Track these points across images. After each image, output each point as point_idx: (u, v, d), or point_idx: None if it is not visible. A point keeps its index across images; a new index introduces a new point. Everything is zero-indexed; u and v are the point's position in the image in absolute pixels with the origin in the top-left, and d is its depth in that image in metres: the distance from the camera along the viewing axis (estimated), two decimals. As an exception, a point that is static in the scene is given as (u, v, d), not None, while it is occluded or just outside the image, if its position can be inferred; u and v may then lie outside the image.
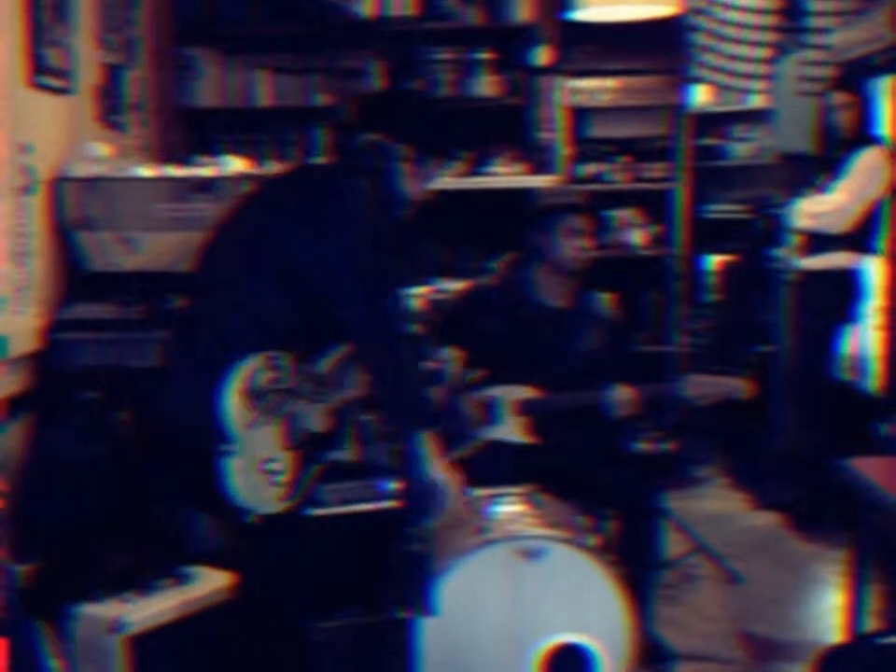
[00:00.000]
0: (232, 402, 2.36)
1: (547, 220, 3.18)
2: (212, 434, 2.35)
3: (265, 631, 2.58)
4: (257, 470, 2.39)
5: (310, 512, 2.66)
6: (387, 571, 2.39)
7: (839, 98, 4.32)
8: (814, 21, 4.63)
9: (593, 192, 5.04)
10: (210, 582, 2.78)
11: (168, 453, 2.54)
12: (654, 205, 5.11)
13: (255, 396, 2.38)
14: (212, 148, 4.42)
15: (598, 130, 5.19)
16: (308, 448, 2.45)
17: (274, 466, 2.40)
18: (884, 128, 4.39)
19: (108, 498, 2.87)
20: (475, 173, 4.78)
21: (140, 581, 2.70)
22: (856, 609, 2.71)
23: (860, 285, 4.38)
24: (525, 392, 3.13)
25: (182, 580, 2.76)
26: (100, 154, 3.49)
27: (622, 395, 3.06)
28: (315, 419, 2.45)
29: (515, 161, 4.81)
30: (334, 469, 2.55)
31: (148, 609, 2.62)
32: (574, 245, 3.16)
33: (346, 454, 2.54)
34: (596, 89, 5.11)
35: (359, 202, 2.36)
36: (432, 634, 2.47)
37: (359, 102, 2.55)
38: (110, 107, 3.90)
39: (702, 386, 3.05)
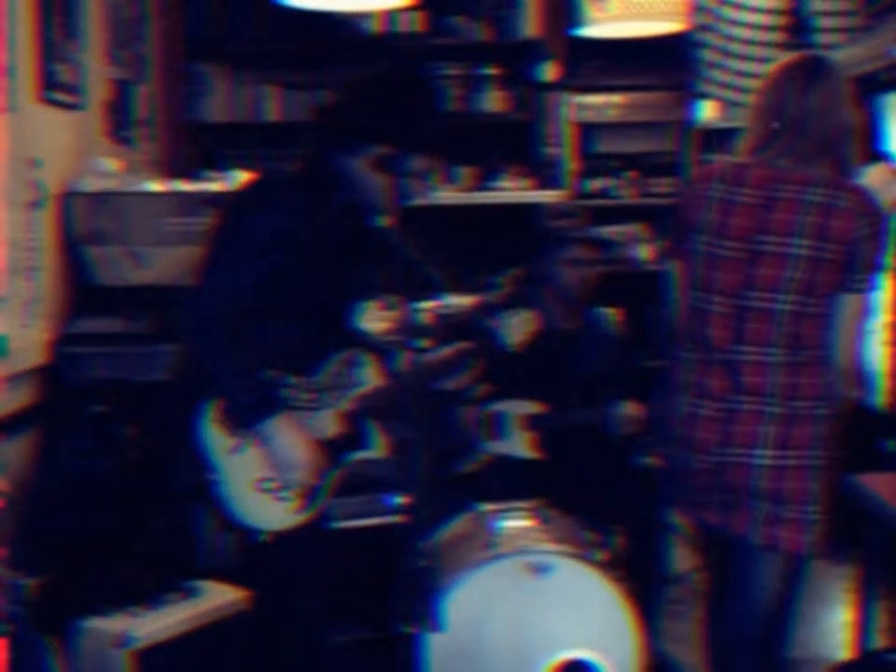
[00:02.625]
0: (210, 432, 2.36)
1: (552, 250, 3.19)
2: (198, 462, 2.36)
3: (272, 646, 2.58)
4: (254, 491, 2.38)
5: (323, 525, 2.65)
6: (394, 586, 2.38)
7: (846, 114, 4.32)
8: (820, 38, 4.63)
9: (599, 207, 5.05)
10: (217, 597, 2.77)
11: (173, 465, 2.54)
12: (661, 221, 5.11)
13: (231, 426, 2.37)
14: (220, 163, 4.43)
15: (605, 145, 5.19)
16: (322, 455, 2.43)
17: (274, 484, 2.39)
18: (890, 144, 4.40)
19: (115, 512, 2.87)
20: (482, 188, 4.79)
21: (147, 596, 2.70)
22: (864, 626, 2.70)
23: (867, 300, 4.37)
24: (532, 407, 3.13)
25: (189, 594, 2.76)
26: (109, 169, 3.51)
27: (627, 411, 3.06)
28: (321, 426, 2.44)
29: (522, 177, 4.82)
30: (342, 484, 2.53)
31: (155, 624, 2.62)
32: (579, 275, 3.17)
33: (375, 452, 2.51)
34: (603, 104, 5.12)
35: (287, 216, 2.32)
36: (439, 649, 2.46)
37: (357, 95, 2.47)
38: (119, 122, 3.92)
39: None
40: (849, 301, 2.38)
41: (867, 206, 2.41)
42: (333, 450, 2.44)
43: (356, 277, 2.54)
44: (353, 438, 2.47)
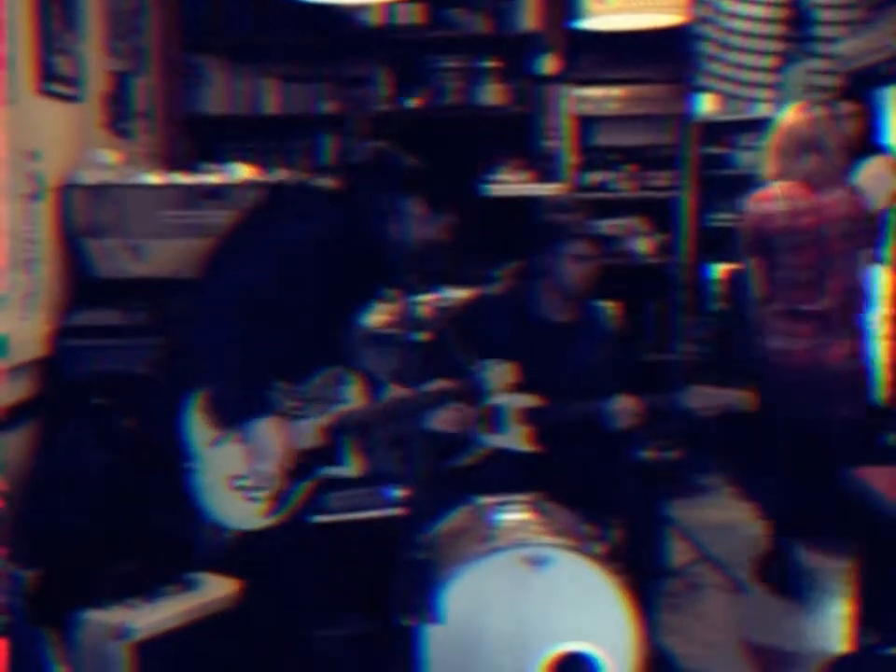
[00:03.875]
0: (195, 420, 2.37)
1: (553, 245, 3.18)
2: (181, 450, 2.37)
3: (270, 639, 2.58)
4: (227, 487, 2.40)
5: (315, 520, 2.66)
6: (392, 579, 2.38)
7: (846, 107, 4.31)
8: (821, 31, 4.63)
9: (598, 201, 5.05)
10: (215, 589, 2.78)
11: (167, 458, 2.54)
12: (660, 214, 5.11)
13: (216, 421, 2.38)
14: (219, 156, 4.43)
15: (604, 138, 5.19)
16: (296, 464, 2.44)
17: (247, 483, 2.40)
18: (890, 137, 4.40)
19: (114, 504, 2.87)
20: (481, 181, 4.78)
21: (145, 588, 2.70)
22: (862, 620, 2.70)
23: (867, 294, 4.37)
24: (529, 401, 3.13)
25: (187, 586, 2.76)
26: (107, 161, 3.50)
27: (625, 405, 3.06)
28: (300, 436, 2.45)
29: (521, 170, 4.81)
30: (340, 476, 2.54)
31: (154, 616, 2.62)
32: (579, 270, 3.16)
33: (348, 469, 2.53)
34: (603, 97, 5.11)
35: (313, 229, 2.33)
36: (437, 642, 2.46)
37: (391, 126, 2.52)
38: (118, 114, 3.91)
39: (704, 398, 3.05)
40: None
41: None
42: (308, 461, 2.45)
43: (358, 291, 2.55)
44: (328, 452, 2.48)
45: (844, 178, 3.74)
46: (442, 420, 2.69)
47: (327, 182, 2.48)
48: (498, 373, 2.56)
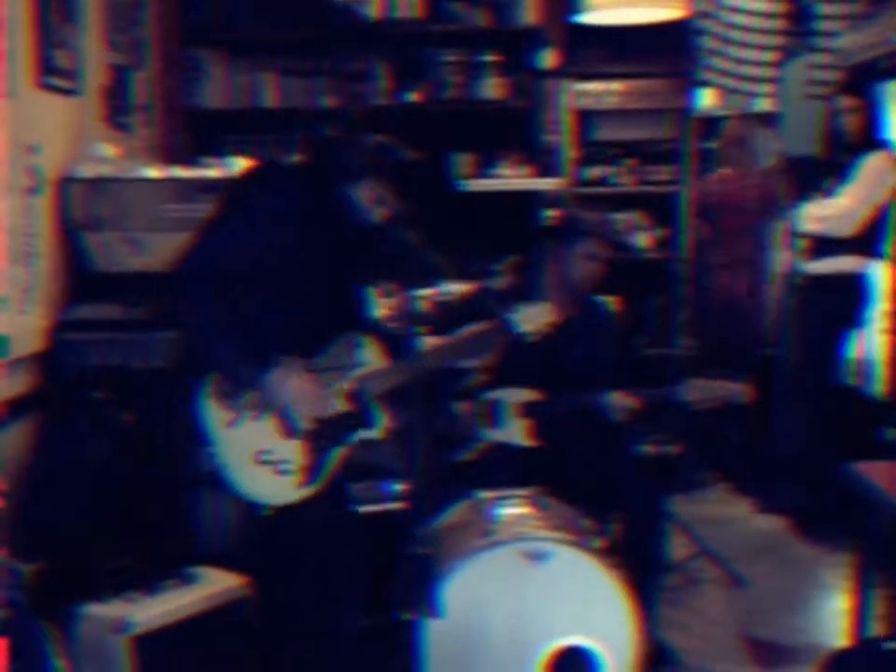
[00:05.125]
0: (207, 406, 2.37)
1: (563, 244, 3.17)
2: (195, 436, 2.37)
3: (270, 632, 2.58)
4: (254, 463, 2.39)
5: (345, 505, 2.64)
6: (393, 573, 2.39)
7: (846, 102, 4.31)
8: (821, 25, 4.62)
9: (598, 195, 5.04)
10: (215, 583, 2.78)
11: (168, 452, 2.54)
12: (660, 208, 5.11)
13: (227, 396, 2.38)
14: (218, 149, 4.42)
15: (604, 133, 5.18)
16: (322, 432, 2.44)
17: (273, 456, 2.40)
18: (891, 132, 4.39)
19: (113, 498, 2.87)
20: (481, 175, 4.78)
21: (145, 582, 2.70)
22: (861, 614, 2.70)
23: (866, 289, 4.37)
24: (528, 395, 3.13)
25: (187, 580, 2.76)
26: (106, 155, 3.50)
27: (623, 399, 3.06)
28: (324, 404, 2.44)
29: (521, 164, 4.81)
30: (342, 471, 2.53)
31: (153, 610, 2.62)
32: (587, 268, 3.16)
33: (377, 432, 2.51)
34: (602, 92, 5.10)
35: (284, 201, 2.35)
36: (437, 636, 2.47)
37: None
38: (117, 108, 3.90)
39: (702, 391, 3.05)
40: None
41: None
42: (336, 429, 2.44)
43: (357, 264, 2.54)
44: (355, 417, 2.47)
45: (760, 167, 4.91)
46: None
47: (295, 158, 2.50)
48: (534, 314, 2.51)
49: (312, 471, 2.42)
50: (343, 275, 2.51)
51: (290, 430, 2.41)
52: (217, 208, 2.41)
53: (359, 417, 2.47)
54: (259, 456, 2.39)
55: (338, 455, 2.46)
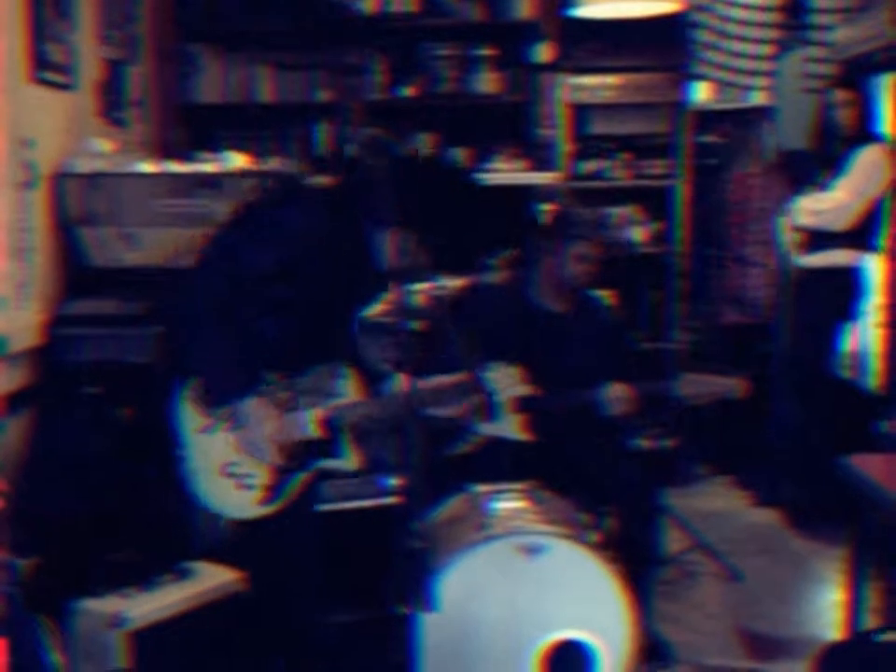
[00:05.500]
0: (184, 409, 2.37)
1: (557, 244, 3.17)
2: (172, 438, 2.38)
3: (265, 627, 2.59)
4: (219, 474, 2.40)
5: (311, 513, 2.66)
6: (388, 567, 2.39)
7: (840, 95, 4.31)
8: (816, 19, 4.62)
9: (593, 189, 5.04)
10: (211, 578, 2.78)
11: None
12: (655, 203, 5.11)
13: (206, 403, 2.38)
14: (213, 144, 4.41)
15: (599, 127, 5.18)
16: (291, 454, 2.45)
17: (240, 470, 2.40)
18: (885, 125, 4.39)
19: (110, 493, 2.87)
20: (476, 169, 4.77)
21: (141, 577, 2.70)
22: (856, 606, 2.71)
23: (860, 282, 4.38)
24: (524, 389, 3.13)
25: (183, 575, 2.76)
26: (101, 150, 3.49)
27: (618, 392, 3.06)
28: (296, 427, 2.45)
29: (516, 158, 4.81)
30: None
31: (149, 605, 2.63)
32: (581, 268, 3.16)
33: (345, 462, 2.53)
34: (598, 86, 5.10)
35: (306, 222, 2.35)
36: (433, 630, 2.47)
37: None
38: (112, 103, 3.90)
39: (697, 386, 3.06)
40: None
41: None
42: (304, 452, 2.46)
43: (354, 293, 2.55)
44: (324, 445, 2.48)
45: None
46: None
47: (322, 179, 2.50)
48: (505, 374, 2.55)
49: (274, 491, 2.44)
50: (343, 303, 2.52)
51: (255, 454, 2.41)
52: (238, 213, 2.41)
53: (328, 446, 2.48)
54: (226, 468, 2.41)
55: (300, 479, 2.47)
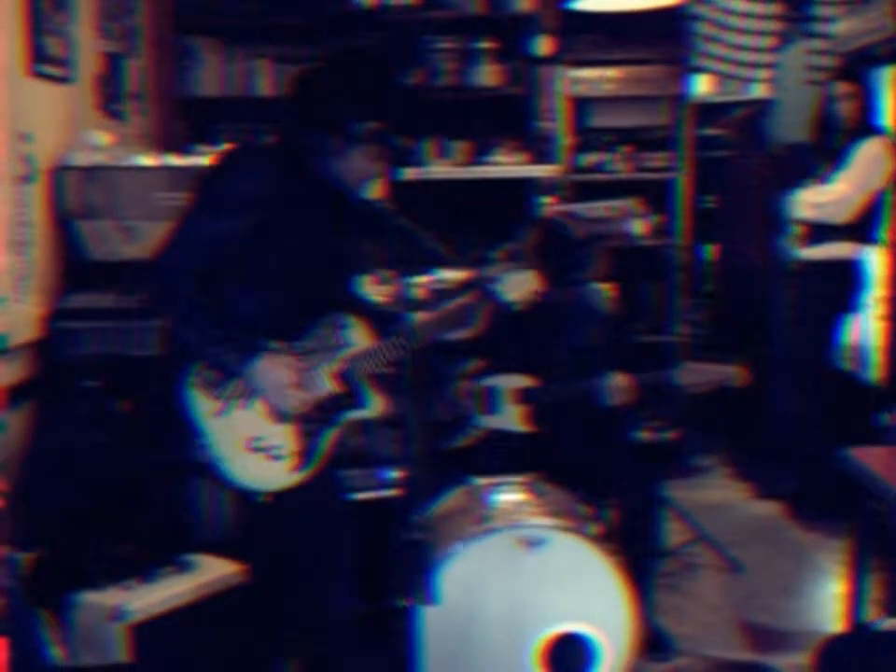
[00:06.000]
0: (194, 397, 2.37)
1: (575, 266, 3.19)
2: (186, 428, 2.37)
3: (266, 620, 2.58)
4: (246, 451, 2.39)
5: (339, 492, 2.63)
6: (389, 559, 2.39)
7: (842, 88, 4.30)
8: (818, 11, 4.61)
9: (593, 182, 5.04)
10: (211, 571, 2.78)
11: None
12: (655, 195, 5.10)
13: (213, 386, 2.37)
14: (212, 137, 4.41)
15: (599, 119, 5.17)
16: (313, 415, 2.43)
17: (266, 443, 2.39)
18: (886, 118, 4.38)
19: (110, 486, 2.87)
20: (476, 162, 4.77)
21: (141, 570, 2.70)
22: (856, 598, 2.71)
23: (861, 275, 4.38)
24: (524, 381, 3.13)
25: (183, 568, 2.76)
26: (100, 143, 3.48)
27: (617, 383, 3.06)
28: (311, 386, 2.43)
29: (516, 151, 4.80)
30: (336, 458, 2.53)
31: (150, 598, 2.63)
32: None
33: (370, 410, 2.50)
34: (598, 78, 5.09)
35: (256, 184, 2.33)
36: (433, 622, 2.47)
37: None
38: (110, 96, 3.89)
39: (696, 374, 3.05)
40: None
41: None
42: (326, 411, 2.44)
43: (343, 246, 2.53)
44: (345, 398, 2.46)
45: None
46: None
47: (266, 139, 2.48)
48: (518, 282, 2.50)
49: (305, 455, 2.42)
50: (328, 254, 2.49)
51: (280, 415, 2.40)
52: (191, 197, 2.40)
53: (349, 398, 2.47)
54: (251, 444, 2.39)
55: (330, 436, 2.46)
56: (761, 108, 5.07)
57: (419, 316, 2.40)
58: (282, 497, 2.42)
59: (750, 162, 5.22)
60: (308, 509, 2.48)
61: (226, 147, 2.52)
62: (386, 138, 2.37)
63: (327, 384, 2.45)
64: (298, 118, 2.41)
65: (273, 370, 2.35)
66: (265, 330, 2.38)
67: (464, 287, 2.60)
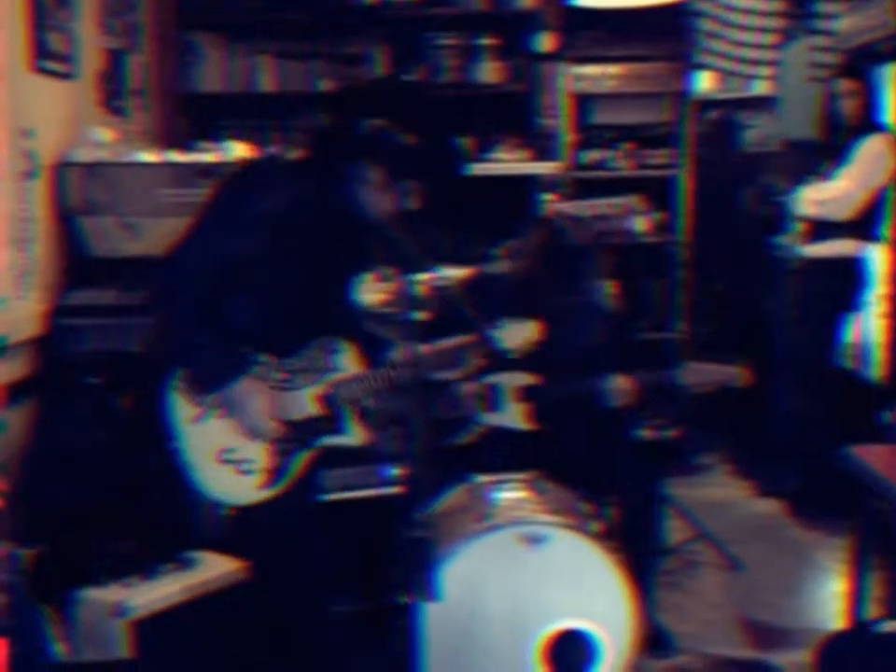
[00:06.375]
0: (174, 400, 2.37)
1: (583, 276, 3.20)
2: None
3: (267, 617, 2.59)
4: (216, 462, 2.39)
5: (314, 498, 2.65)
6: (391, 557, 2.39)
7: (844, 85, 4.30)
8: (820, 8, 4.60)
9: (595, 179, 5.03)
10: (213, 567, 2.78)
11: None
12: (658, 192, 5.10)
13: (196, 391, 2.37)
14: (214, 134, 4.40)
15: (602, 116, 5.17)
16: (290, 436, 2.43)
17: (236, 455, 2.39)
18: (888, 115, 4.38)
19: (111, 483, 2.88)
20: (478, 159, 4.77)
21: (143, 566, 2.70)
22: (857, 597, 2.71)
23: (863, 272, 4.37)
24: (526, 379, 3.13)
25: (185, 564, 2.77)
26: (102, 139, 3.48)
27: (620, 382, 3.06)
28: (291, 407, 2.44)
29: (518, 148, 4.79)
30: (338, 455, 2.53)
31: (151, 594, 2.63)
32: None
33: (349, 438, 2.51)
34: (600, 75, 5.09)
35: (275, 202, 2.33)
36: (435, 619, 2.47)
37: (356, 89, 2.49)
38: (113, 92, 3.89)
39: (699, 374, 3.05)
40: None
41: None
42: (303, 432, 2.44)
43: (347, 268, 2.53)
44: (326, 422, 2.46)
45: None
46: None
47: (293, 153, 2.47)
48: (517, 331, 2.50)
49: (275, 473, 2.42)
50: (331, 275, 2.50)
51: (254, 434, 2.40)
52: (209, 200, 2.40)
53: (329, 422, 2.46)
54: (222, 455, 2.39)
55: (302, 458, 2.46)
56: (734, 108, 5.08)
57: (412, 350, 2.39)
58: (252, 509, 2.42)
59: (724, 161, 5.23)
60: (278, 521, 2.48)
61: (249, 154, 2.51)
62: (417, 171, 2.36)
63: (308, 406, 2.45)
64: (334, 140, 2.39)
65: (250, 392, 2.35)
66: (257, 342, 2.38)
67: (464, 325, 2.58)
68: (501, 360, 2.51)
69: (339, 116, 2.42)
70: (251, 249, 2.32)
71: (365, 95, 2.47)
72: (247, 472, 2.41)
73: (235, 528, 2.77)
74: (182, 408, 2.38)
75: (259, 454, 2.41)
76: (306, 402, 2.45)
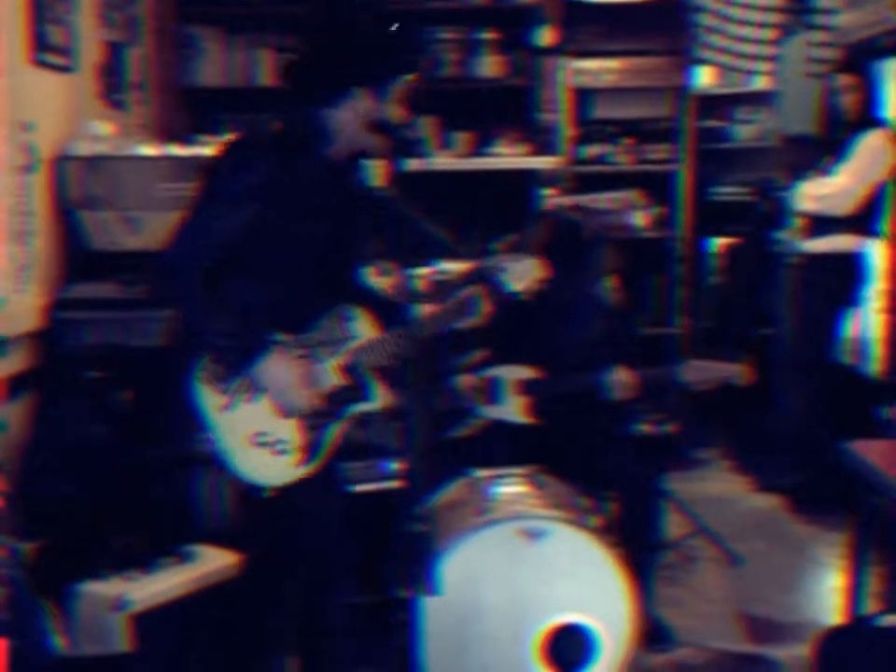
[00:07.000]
0: (201, 391, 2.37)
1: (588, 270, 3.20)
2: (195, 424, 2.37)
3: (267, 610, 2.59)
4: (251, 446, 2.39)
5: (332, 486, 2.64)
6: (390, 551, 2.39)
7: (843, 80, 4.30)
8: (820, 3, 4.60)
9: (595, 174, 5.03)
10: (213, 561, 2.78)
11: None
12: (658, 187, 5.10)
13: (219, 380, 2.37)
14: (214, 127, 4.40)
15: (602, 111, 5.17)
16: (318, 409, 2.43)
17: (269, 437, 2.40)
18: (888, 110, 4.38)
19: (111, 476, 2.88)
20: (477, 153, 4.76)
21: (143, 560, 2.70)
22: (856, 591, 2.71)
23: (862, 268, 4.37)
24: (526, 372, 3.13)
25: (185, 558, 2.77)
26: (102, 133, 3.48)
27: (620, 377, 3.06)
28: (318, 379, 2.43)
29: (518, 142, 4.79)
30: (338, 450, 2.53)
31: (151, 588, 2.63)
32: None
33: (375, 404, 2.50)
34: (600, 70, 5.08)
35: (261, 173, 2.33)
36: (434, 614, 2.48)
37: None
38: (112, 85, 3.88)
39: (700, 372, 3.05)
40: None
41: None
42: (331, 405, 2.44)
43: (349, 235, 2.52)
44: (351, 391, 2.46)
45: None
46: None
47: (270, 129, 2.47)
48: (523, 271, 2.49)
49: (310, 450, 2.42)
50: (332, 244, 2.49)
51: (286, 412, 2.40)
52: (197, 189, 2.40)
53: (355, 391, 2.46)
54: (256, 439, 2.39)
55: (336, 430, 2.46)
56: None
57: (425, 308, 2.40)
58: (286, 491, 2.42)
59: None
60: (310, 503, 2.49)
61: (229, 137, 2.51)
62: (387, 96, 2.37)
63: (332, 377, 2.45)
64: (300, 98, 2.40)
65: (280, 367, 2.35)
66: (271, 323, 2.38)
67: (468, 277, 2.59)
68: (511, 303, 2.49)
69: (314, 42, 2.43)
70: (246, 226, 2.32)
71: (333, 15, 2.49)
72: (283, 452, 2.40)
73: (237, 521, 2.77)
74: (209, 398, 2.38)
75: (291, 433, 2.41)
76: (330, 374, 2.45)
